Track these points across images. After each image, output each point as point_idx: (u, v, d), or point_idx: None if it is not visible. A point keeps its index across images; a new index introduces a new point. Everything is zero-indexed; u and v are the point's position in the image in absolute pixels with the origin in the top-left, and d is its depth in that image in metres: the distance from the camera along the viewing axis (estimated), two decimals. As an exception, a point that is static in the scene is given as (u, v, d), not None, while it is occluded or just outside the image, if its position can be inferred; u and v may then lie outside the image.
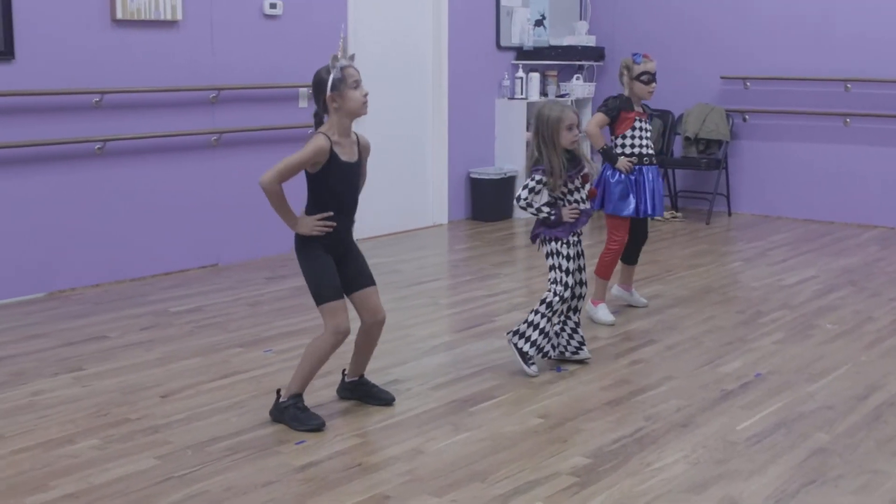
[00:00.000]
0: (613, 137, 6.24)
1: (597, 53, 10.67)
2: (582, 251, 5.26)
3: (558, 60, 10.31)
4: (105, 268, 7.05)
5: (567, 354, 5.32)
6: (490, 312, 6.37)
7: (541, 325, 5.11)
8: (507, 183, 9.78)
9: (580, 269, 5.25)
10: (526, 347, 5.10)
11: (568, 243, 5.15)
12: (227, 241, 7.74)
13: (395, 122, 9.07)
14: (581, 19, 10.90)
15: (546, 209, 5.11)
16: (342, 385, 4.80)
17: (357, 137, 4.49)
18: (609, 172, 6.19)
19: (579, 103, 10.53)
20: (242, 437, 4.32)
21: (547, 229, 5.17)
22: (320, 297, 4.39)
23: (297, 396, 4.45)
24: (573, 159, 5.11)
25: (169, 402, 4.76)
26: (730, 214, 10.20)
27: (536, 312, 5.13)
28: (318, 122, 4.44)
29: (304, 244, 4.41)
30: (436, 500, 3.72)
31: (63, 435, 4.33)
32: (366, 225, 8.74)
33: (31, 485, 3.83)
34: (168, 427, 4.43)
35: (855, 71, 9.45)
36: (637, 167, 6.18)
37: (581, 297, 5.30)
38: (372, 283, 4.59)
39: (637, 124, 6.19)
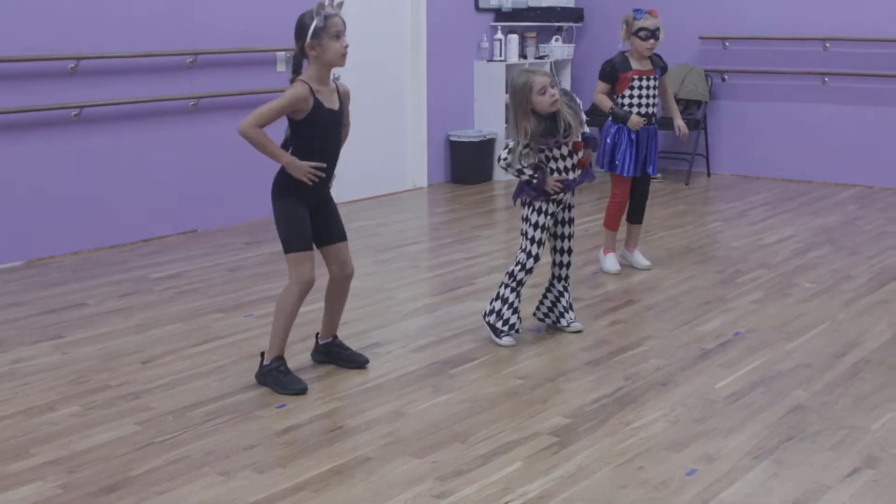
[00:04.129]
0: (616, 97, 6.31)
1: (576, 14, 10.63)
2: (569, 219, 5.12)
3: (537, 22, 10.27)
4: (83, 235, 7.01)
5: (549, 322, 5.28)
6: (470, 275, 6.38)
7: (508, 298, 5.02)
8: (487, 145, 9.76)
9: (563, 237, 5.14)
10: (494, 321, 5.04)
11: (543, 211, 4.98)
12: (206, 206, 7.71)
13: (374, 86, 9.03)
14: (559, -20, 10.86)
15: (529, 172, 4.94)
16: (316, 348, 4.82)
17: (336, 86, 4.46)
18: (610, 132, 6.30)
19: (559, 65, 10.51)
20: (223, 401, 4.33)
21: (526, 191, 5.01)
22: (290, 245, 4.39)
23: (280, 359, 4.47)
24: (556, 124, 4.90)
25: (149, 368, 4.76)
26: (709, 175, 10.21)
27: (503, 284, 5.06)
28: (297, 65, 4.40)
29: (283, 192, 4.39)
30: (417, 461, 3.74)
31: (44, 402, 4.33)
32: (346, 188, 8.72)
33: (13, 452, 3.83)
34: (149, 393, 4.43)
35: (833, 30, 9.44)
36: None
37: (564, 265, 5.18)
38: (344, 238, 4.62)
39: (635, 83, 6.22)
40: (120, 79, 7.09)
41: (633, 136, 6.25)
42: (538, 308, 5.32)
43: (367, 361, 4.75)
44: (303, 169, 4.29)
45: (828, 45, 9.47)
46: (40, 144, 6.72)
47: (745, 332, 5.24)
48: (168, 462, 3.75)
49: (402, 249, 7.15)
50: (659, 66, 6.33)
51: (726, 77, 10.12)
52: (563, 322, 5.23)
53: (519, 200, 5.08)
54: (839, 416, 4.14)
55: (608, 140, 6.31)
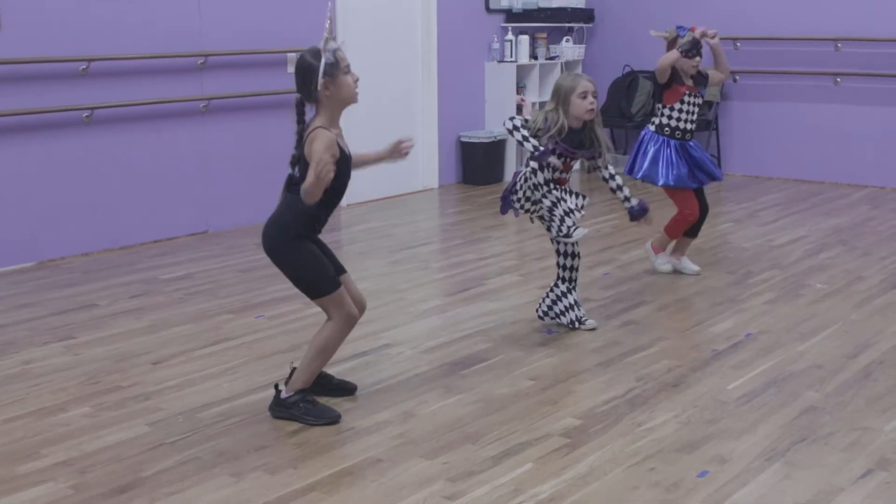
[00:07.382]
0: (661, 106, 6.12)
1: (587, 15, 10.62)
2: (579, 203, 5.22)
3: (548, 23, 10.26)
4: (94, 236, 7.03)
5: (547, 320, 5.35)
6: (481, 276, 6.38)
7: (566, 295, 5.19)
8: (498, 146, 9.76)
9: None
10: (568, 320, 5.20)
11: (539, 172, 5.05)
12: (217, 207, 7.72)
13: (385, 87, 9.02)
14: (570, -19, 10.84)
15: (533, 143, 4.90)
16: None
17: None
18: (652, 142, 6.13)
19: (569, 66, 10.49)
20: (234, 402, 4.33)
21: (507, 201, 5.12)
22: (323, 290, 4.04)
23: (303, 391, 4.17)
24: (587, 140, 5.05)
25: (160, 369, 4.76)
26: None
27: (557, 283, 5.21)
28: (301, 115, 3.97)
29: (291, 239, 4.04)
30: (427, 462, 3.73)
31: (55, 403, 4.34)
32: (357, 190, 8.71)
33: (24, 453, 3.84)
34: (159, 394, 4.44)
35: (845, 30, 9.41)
36: (679, 142, 6.11)
37: (566, 267, 5.23)
38: (344, 269, 4.29)
39: (686, 98, 6.09)
40: (131, 80, 7.10)
41: (680, 147, 6.10)
42: (540, 305, 5.40)
43: (356, 388, 4.43)
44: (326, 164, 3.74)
45: (840, 45, 9.44)
46: (51, 146, 6.73)
47: (757, 334, 5.22)
48: (179, 463, 3.75)
49: (413, 250, 7.14)
50: (702, 83, 6.21)
51: (738, 78, 10.09)
52: (564, 320, 5.28)
53: (516, 206, 5.19)
54: (852, 418, 4.12)
55: (649, 148, 6.12)
